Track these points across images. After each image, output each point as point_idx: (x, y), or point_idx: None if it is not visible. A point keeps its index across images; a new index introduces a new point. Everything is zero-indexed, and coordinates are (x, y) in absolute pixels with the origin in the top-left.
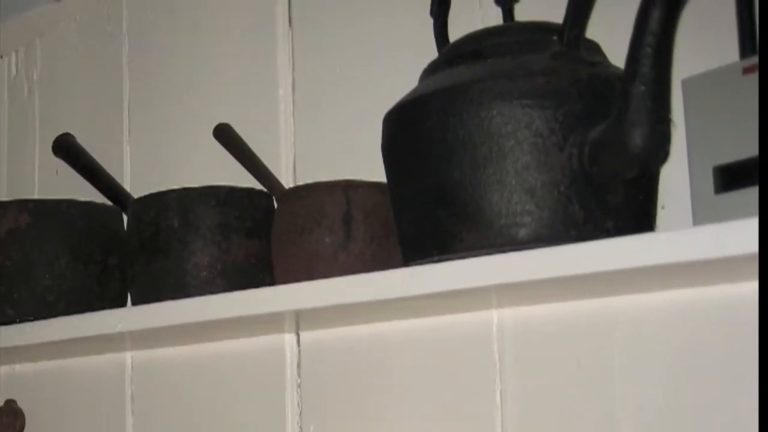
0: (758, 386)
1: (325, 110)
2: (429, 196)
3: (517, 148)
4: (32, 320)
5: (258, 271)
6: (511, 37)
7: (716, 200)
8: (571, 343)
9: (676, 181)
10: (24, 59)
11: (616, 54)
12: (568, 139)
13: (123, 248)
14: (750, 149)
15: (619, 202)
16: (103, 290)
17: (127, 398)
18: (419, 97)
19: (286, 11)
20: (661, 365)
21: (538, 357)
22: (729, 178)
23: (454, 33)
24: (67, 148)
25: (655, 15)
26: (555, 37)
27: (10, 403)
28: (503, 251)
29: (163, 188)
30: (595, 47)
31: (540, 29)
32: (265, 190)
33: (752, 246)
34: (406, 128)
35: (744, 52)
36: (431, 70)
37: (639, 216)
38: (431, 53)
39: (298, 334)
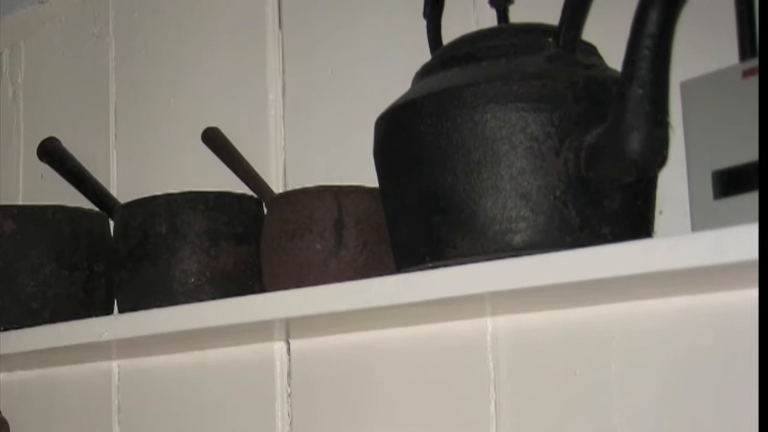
0: (758, 395)
1: (315, 114)
2: (422, 201)
3: (511, 153)
4: (16, 328)
5: (247, 278)
6: (506, 39)
7: (715, 205)
8: (567, 351)
9: (674, 186)
10: (8, 61)
11: (613, 56)
12: (564, 144)
13: (109, 255)
14: (750, 153)
15: (616, 207)
16: (89, 298)
17: (113, 408)
18: (412, 100)
19: (276, 13)
20: (659, 374)
21: (534, 366)
22: (728, 183)
23: (448, 35)
24: (52, 153)
25: (653, 16)
26: (550, 39)
27: None
28: (498, 258)
29: (150, 193)
30: (591, 49)
31: (535, 31)
32: (254, 195)
33: (752, 252)
34: (399, 132)
35: (743, 54)
36: (424, 72)
37: (636, 222)
38: (424, 55)
39: (288, 343)
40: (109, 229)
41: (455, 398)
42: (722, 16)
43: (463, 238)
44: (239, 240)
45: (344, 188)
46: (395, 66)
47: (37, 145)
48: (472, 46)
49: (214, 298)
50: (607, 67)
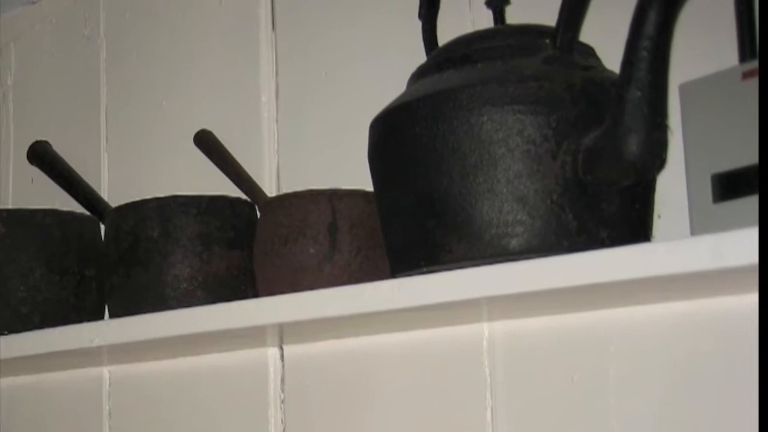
0: (758, 401)
1: (309, 116)
2: (417, 205)
3: (508, 156)
4: (6, 334)
5: (240, 282)
6: (502, 41)
7: (715, 209)
8: (564, 357)
9: (673, 189)
10: None
11: (611, 58)
12: (561, 147)
13: (100, 259)
14: (750, 156)
15: (614, 211)
16: (79, 303)
17: (104, 414)
18: (407, 102)
19: (269, 14)
20: (658, 380)
21: (531, 372)
22: (728, 186)
23: (444, 36)
24: (42, 156)
25: (652, 17)
26: (547, 41)
27: None
28: (494, 262)
29: (142, 197)
30: (589, 51)
31: (532, 32)
32: (247, 199)
33: (752, 257)
34: (394, 135)
35: (743, 56)
36: (420, 74)
37: (634, 226)
38: (419, 57)
39: (281, 348)
40: (100, 234)
41: (451, 405)
42: (722, 17)
43: (458, 243)
44: (232, 244)
45: (338, 192)
46: (390, 68)
47: (27, 148)
48: (468, 47)
49: (206, 303)
50: (605, 69)
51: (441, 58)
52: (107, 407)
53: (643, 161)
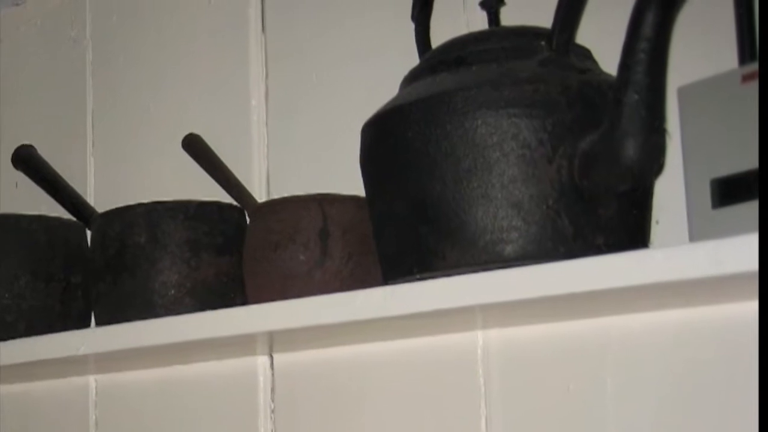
0: (758, 411)
1: (300, 120)
2: (410, 210)
3: (503, 160)
4: None
5: (229, 289)
6: (497, 43)
7: (714, 215)
8: (560, 366)
9: (671, 194)
10: None
11: (609, 60)
12: (557, 151)
13: (87, 266)
14: (749, 161)
15: (611, 216)
16: (65, 310)
17: (90, 424)
18: (400, 106)
19: (258, 15)
20: (655, 390)
21: (526, 381)
22: (727, 191)
23: (437, 38)
24: (27, 160)
25: (650, 19)
26: (543, 43)
27: None
28: (488, 269)
29: (129, 202)
30: (585, 53)
31: (527, 34)
32: (236, 204)
33: (752, 263)
34: (386, 139)
35: (743, 58)
36: (412, 77)
37: (632, 232)
38: (412, 59)
39: (271, 357)
40: (86, 240)
41: (445, 414)
42: (721, 19)
43: (452, 249)
44: (221, 250)
45: (329, 197)
46: (382, 70)
47: (11, 152)
48: (462, 49)
49: (194, 310)
50: (601, 72)
51: (434, 60)
52: (94, 417)
53: (640, 166)
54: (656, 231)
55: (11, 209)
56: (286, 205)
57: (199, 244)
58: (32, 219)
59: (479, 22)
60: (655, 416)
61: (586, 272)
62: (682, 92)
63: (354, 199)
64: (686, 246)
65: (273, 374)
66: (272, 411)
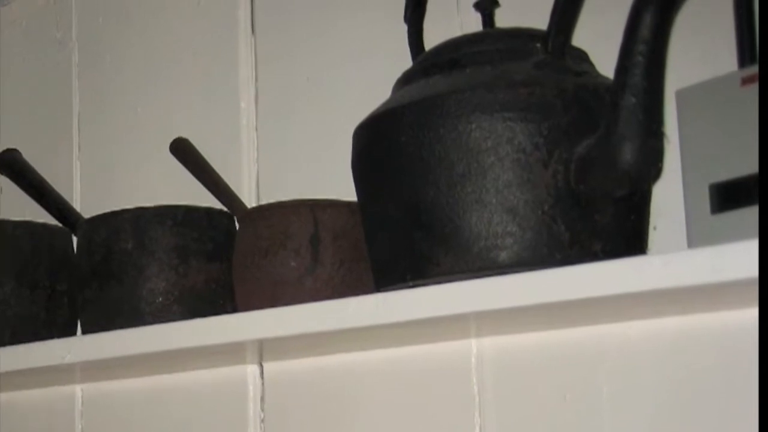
0: (758, 421)
1: (290, 123)
2: (403, 216)
3: (497, 165)
4: None
5: (218, 297)
6: (492, 45)
7: (713, 221)
8: (556, 375)
9: (669, 200)
10: None
11: (605, 63)
12: (552, 155)
13: (72, 273)
14: (749, 165)
15: (607, 222)
16: (50, 318)
17: None
18: (392, 109)
19: (248, 16)
20: (653, 399)
21: (521, 390)
22: (726, 196)
23: (430, 40)
24: (11, 165)
25: (647, 21)
26: (539, 45)
27: None
28: (483, 276)
29: (115, 208)
30: (582, 55)
31: (522, 36)
32: (226, 209)
33: (752, 270)
34: (379, 143)
35: (742, 61)
36: (405, 80)
37: (629, 238)
38: (405, 62)
39: (261, 365)
40: (72, 246)
41: (438, 424)
42: (720, 21)
43: (446, 255)
44: (210, 257)
45: (320, 202)
46: (375, 73)
47: None
48: (456, 51)
49: (183, 318)
50: (598, 74)
51: (428, 62)
52: (80, 427)
53: (638, 170)
54: (654, 237)
55: None
56: (277, 210)
57: (187, 251)
58: (17, 225)
59: (473, 23)
60: (652, 426)
61: (582, 279)
62: (681, 95)
63: (346, 204)
64: (685, 252)
65: (263, 383)
66: (262, 421)
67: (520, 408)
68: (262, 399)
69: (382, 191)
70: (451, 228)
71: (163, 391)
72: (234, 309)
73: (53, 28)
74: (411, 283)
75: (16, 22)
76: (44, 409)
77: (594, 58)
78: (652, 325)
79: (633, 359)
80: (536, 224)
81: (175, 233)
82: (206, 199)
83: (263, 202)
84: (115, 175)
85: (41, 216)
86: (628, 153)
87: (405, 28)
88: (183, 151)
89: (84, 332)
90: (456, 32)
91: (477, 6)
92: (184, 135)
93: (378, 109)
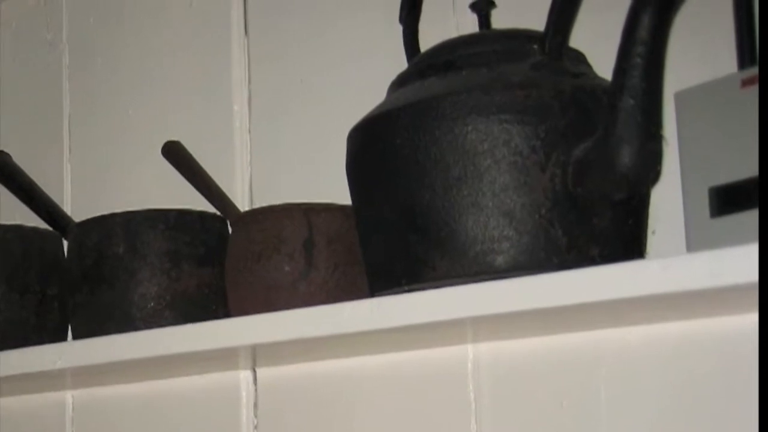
0: (758, 426)
1: (284, 126)
2: (398, 219)
3: (494, 168)
4: None
5: (211, 301)
6: (488, 46)
7: (712, 224)
8: (553, 381)
9: (668, 203)
10: None
11: (603, 64)
12: (550, 158)
13: (63, 277)
14: (749, 168)
15: (605, 226)
16: (41, 323)
17: None
18: (387, 111)
19: (241, 17)
20: (651, 405)
21: (518, 396)
22: (726, 200)
23: (426, 41)
24: (1, 168)
25: (646, 22)
26: (536, 46)
27: None
28: (479, 280)
29: (106, 211)
30: (579, 57)
31: (519, 37)
32: (218, 213)
33: (752, 275)
34: (374, 146)
35: (742, 62)
36: (401, 82)
37: (628, 242)
38: (400, 63)
39: (254, 371)
40: (63, 250)
41: (434, 430)
42: (720, 22)
43: (441, 259)
44: (202, 261)
45: (314, 206)
46: (370, 74)
47: None
48: (452, 53)
49: (175, 323)
50: (596, 76)
51: (423, 64)
52: None
53: (636, 173)
54: (653, 241)
55: None
56: (270, 214)
57: (179, 255)
58: (7, 228)
59: (469, 24)
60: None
61: (580, 284)
62: (680, 97)
63: (340, 208)
64: (684, 257)
65: (256, 389)
66: (255, 427)
67: (516, 414)
68: (256, 405)
69: (377, 194)
70: (447, 232)
71: (155, 398)
72: (227, 314)
73: (44, 29)
74: (406, 288)
75: (6, 23)
76: (35, 415)
77: (592, 59)
78: (650, 330)
79: (631, 365)
80: (533, 228)
81: (167, 237)
82: (199, 203)
83: (256, 205)
84: (107, 178)
85: (32, 220)
86: (626, 156)
87: (400, 29)
88: (175, 154)
89: (75, 337)
90: (452, 33)
91: (473, 7)
92: (176, 137)
93: (373, 111)
